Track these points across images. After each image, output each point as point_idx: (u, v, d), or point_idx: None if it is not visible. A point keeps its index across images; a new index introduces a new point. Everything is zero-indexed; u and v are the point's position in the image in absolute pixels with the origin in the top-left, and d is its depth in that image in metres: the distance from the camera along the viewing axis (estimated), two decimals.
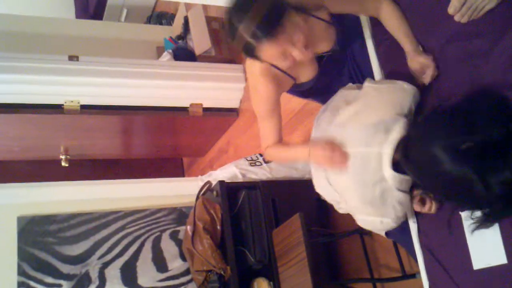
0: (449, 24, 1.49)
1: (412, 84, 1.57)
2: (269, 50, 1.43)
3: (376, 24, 1.80)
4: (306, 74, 1.74)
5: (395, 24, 1.67)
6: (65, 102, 3.83)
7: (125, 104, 4.13)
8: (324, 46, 1.72)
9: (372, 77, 1.80)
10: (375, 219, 1.56)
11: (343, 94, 1.68)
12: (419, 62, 1.59)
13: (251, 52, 1.46)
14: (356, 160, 1.48)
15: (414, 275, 2.17)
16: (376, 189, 1.47)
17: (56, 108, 3.81)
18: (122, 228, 3.10)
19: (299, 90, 1.83)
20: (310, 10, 1.60)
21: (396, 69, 1.74)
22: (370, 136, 1.46)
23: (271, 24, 1.38)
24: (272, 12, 1.39)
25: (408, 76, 1.64)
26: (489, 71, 1.37)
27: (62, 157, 4.27)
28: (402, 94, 1.55)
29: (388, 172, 1.44)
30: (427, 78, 1.58)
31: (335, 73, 1.85)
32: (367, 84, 1.63)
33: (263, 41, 1.40)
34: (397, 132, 1.44)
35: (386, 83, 1.62)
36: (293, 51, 1.45)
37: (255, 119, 4.05)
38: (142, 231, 3.10)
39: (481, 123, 1.19)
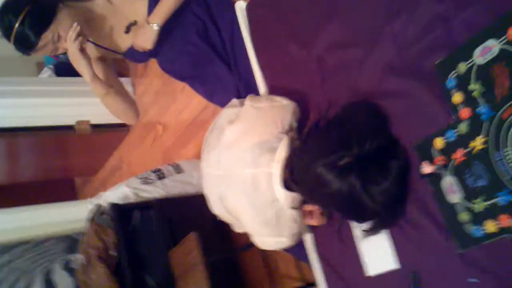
0: (328, 32, 1.50)
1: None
2: (36, 53, 1.68)
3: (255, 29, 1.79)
4: (124, 44, 1.90)
5: None
6: None
7: (5, 126, 3.83)
8: (134, 17, 1.84)
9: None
10: (270, 239, 1.53)
11: (227, 113, 1.64)
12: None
13: (24, 52, 1.68)
14: (247, 182, 1.44)
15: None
16: (270, 210, 1.44)
17: None
18: (8, 262, 2.86)
19: (167, 69, 2.02)
20: None
21: (280, 81, 1.73)
22: (257, 157, 1.43)
23: (35, 34, 1.62)
24: (38, 21, 1.62)
25: (292, 89, 1.64)
26: (365, 80, 1.38)
27: None
28: (282, 112, 1.53)
29: (279, 191, 1.41)
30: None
31: (186, 50, 1.92)
32: (247, 102, 1.60)
33: (32, 49, 1.65)
34: (282, 150, 1.41)
35: (265, 101, 1.60)
36: (60, 46, 1.70)
37: (146, 133, 3.97)
38: (30, 264, 2.87)
39: (355, 136, 1.19)
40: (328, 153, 1.21)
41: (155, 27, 1.76)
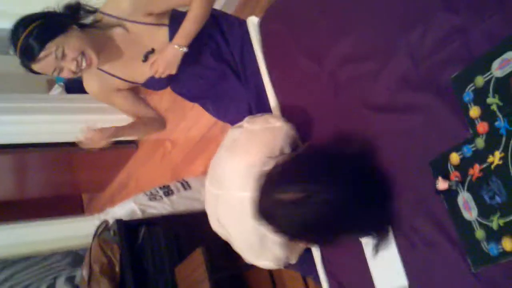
0: (341, 46, 1.49)
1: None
2: (38, 66, 1.60)
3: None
4: (142, 74, 1.83)
5: (188, 15, 1.71)
6: None
7: (14, 142, 3.83)
8: (153, 46, 1.78)
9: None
10: (254, 261, 1.55)
11: (232, 133, 1.63)
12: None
13: (26, 68, 1.62)
14: (236, 205, 1.45)
15: None
16: (255, 234, 1.43)
17: None
18: (10, 277, 2.82)
19: (179, 92, 1.99)
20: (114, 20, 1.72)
21: (291, 96, 1.71)
22: (244, 181, 1.42)
23: (39, 43, 1.56)
24: (45, 32, 1.57)
25: (303, 104, 1.62)
26: (379, 94, 1.36)
27: None
28: (273, 134, 1.52)
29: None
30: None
31: (202, 73, 1.89)
32: (244, 124, 1.60)
33: (34, 60, 1.58)
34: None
35: (260, 122, 1.58)
36: (65, 66, 1.62)
37: (155, 149, 3.96)
38: (34, 279, 2.84)
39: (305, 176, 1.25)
40: (278, 187, 1.25)
41: (184, 49, 1.70)
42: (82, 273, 2.60)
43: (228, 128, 2.18)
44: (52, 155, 4.04)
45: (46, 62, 1.60)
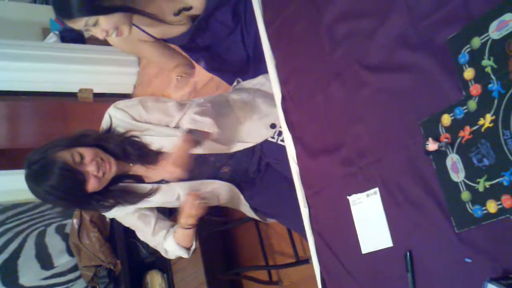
0: (338, 2, 1.47)
1: None
2: (69, 22, 1.56)
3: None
4: (173, 31, 1.83)
5: None
6: None
7: (7, 89, 3.81)
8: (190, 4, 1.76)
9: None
10: None
11: None
12: None
13: (59, 18, 1.57)
14: None
15: (308, 260, 2.17)
16: None
17: None
18: (1, 223, 2.85)
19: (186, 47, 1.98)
20: None
21: (287, 51, 1.69)
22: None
23: (80, 12, 1.51)
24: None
25: (299, 58, 1.60)
26: (375, 51, 1.35)
27: None
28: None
29: None
30: None
31: (221, 34, 1.91)
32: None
33: (68, 19, 1.54)
34: None
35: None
36: (93, 32, 1.59)
37: None
38: (24, 226, 2.87)
39: None
40: None
41: None
42: (73, 222, 2.63)
43: (224, 85, 2.19)
44: (45, 104, 4.02)
45: (76, 24, 1.56)
